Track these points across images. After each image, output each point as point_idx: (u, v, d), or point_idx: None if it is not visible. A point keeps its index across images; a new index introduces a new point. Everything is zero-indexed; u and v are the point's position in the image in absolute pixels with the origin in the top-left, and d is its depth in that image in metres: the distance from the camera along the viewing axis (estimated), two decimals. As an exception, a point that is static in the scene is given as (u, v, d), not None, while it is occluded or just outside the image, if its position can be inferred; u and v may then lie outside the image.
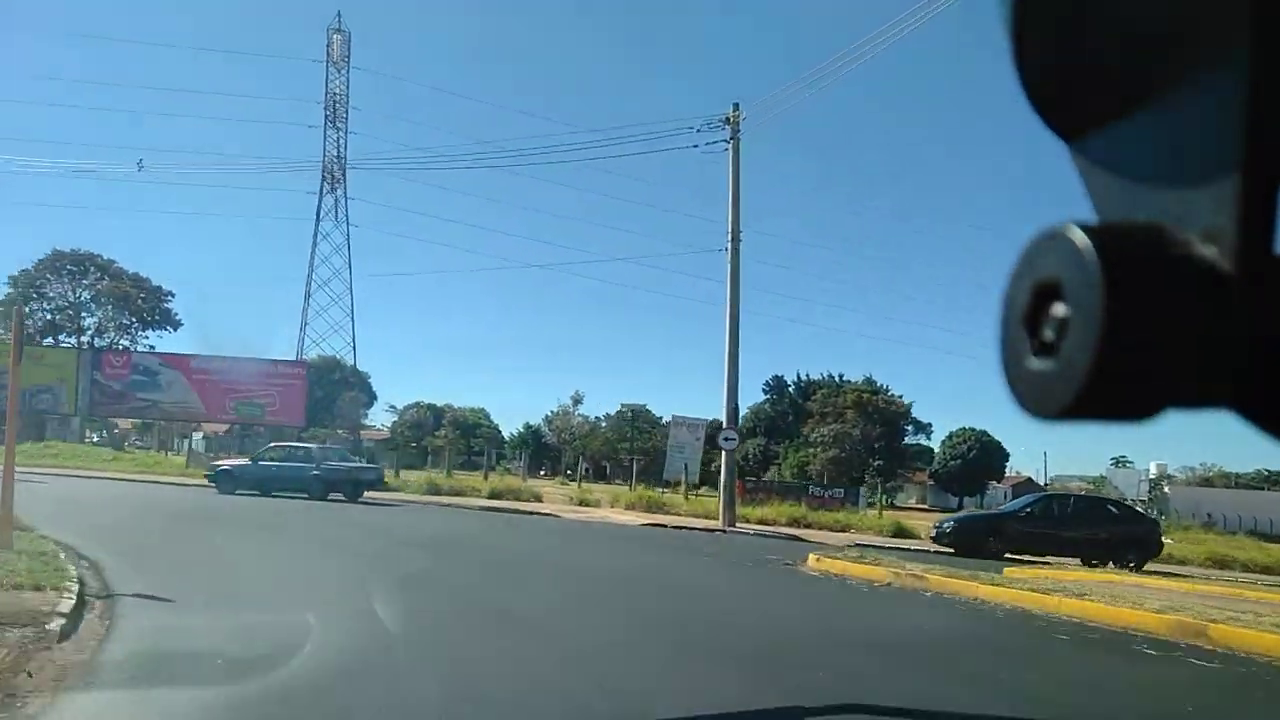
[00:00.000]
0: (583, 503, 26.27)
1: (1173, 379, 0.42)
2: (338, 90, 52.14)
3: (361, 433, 45.05)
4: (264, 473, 21.68)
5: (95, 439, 46.19)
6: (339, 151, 53.12)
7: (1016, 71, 0.50)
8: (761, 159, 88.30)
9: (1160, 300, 0.41)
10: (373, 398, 58.63)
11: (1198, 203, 0.43)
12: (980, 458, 54.09)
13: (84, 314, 54.27)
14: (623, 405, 60.46)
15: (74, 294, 54.35)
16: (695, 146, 24.07)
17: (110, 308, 54.14)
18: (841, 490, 32.27)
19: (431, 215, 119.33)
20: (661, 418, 52.24)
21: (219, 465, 23.38)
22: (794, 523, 23.69)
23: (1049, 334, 0.44)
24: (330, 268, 54.41)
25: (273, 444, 22.86)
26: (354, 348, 54.13)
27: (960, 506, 49.30)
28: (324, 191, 53.53)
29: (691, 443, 29.79)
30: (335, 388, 51.67)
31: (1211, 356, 0.41)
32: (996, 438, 54.75)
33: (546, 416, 66.09)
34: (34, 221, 76.37)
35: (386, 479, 25.68)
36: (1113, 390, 0.41)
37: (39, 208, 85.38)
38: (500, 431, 68.66)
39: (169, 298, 56.80)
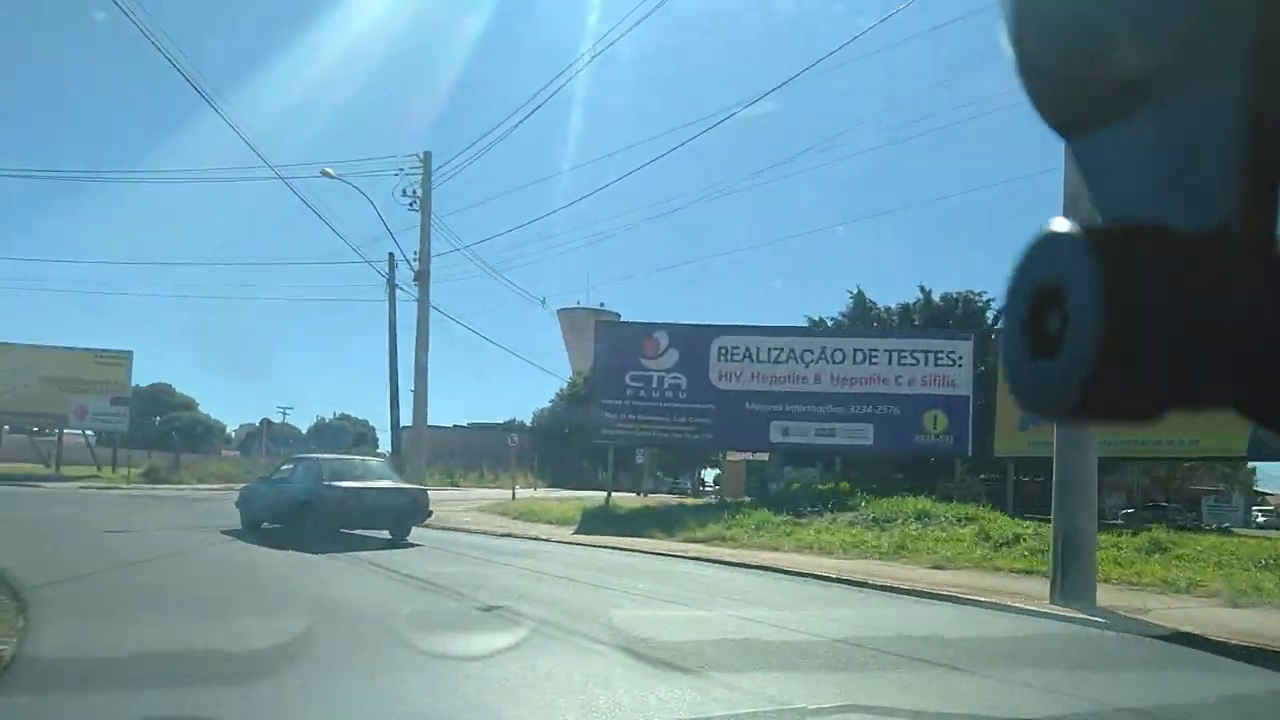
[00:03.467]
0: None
1: (1175, 379, 0.41)
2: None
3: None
4: (278, 497, 14.10)
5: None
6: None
7: (1018, 72, 0.49)
8: None
9: (1161, 300, 0.40)
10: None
11: (1198, 203, 0.42)
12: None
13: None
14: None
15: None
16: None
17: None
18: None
19: None
20: None
21: (245, 486, 16.43)
22: None
23: (1051, 335, 0.43)
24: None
25: (295, 455, 17.51)
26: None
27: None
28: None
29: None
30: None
31: (1213, 356, 0.40)
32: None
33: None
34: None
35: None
36: (1115, 391, 0.41)
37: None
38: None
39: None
